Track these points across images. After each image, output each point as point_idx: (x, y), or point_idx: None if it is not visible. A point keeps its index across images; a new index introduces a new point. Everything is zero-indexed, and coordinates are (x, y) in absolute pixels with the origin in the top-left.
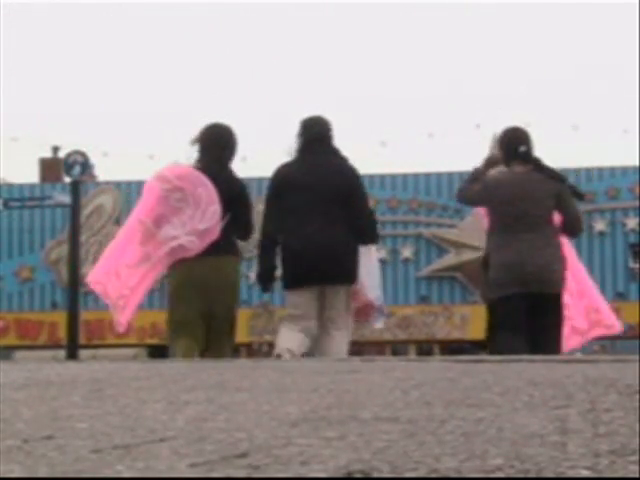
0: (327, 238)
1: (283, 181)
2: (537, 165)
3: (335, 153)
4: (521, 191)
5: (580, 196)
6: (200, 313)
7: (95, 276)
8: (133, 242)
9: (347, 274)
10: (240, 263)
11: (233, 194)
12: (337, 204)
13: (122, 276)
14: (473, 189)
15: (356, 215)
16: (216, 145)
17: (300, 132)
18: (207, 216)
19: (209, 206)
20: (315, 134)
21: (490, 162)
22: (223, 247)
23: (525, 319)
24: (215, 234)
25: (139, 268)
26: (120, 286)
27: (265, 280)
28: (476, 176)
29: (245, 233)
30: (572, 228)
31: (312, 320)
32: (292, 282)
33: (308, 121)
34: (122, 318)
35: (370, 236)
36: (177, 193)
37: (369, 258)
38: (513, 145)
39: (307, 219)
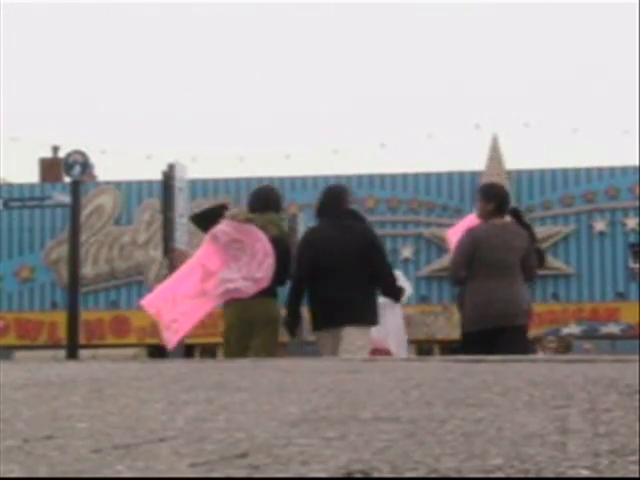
0: (347, 289)
1: (312, 240)
2: (514, 216)
3: (355, 217)
4: (501, 242)
5: (542, 255)
6: (247, 344)
7: (150, 300)
8: (193, 278)
9: (362, 316)
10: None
11: (280, 250)
12: (358, 261)
13: (177, 304)
14: (458, 251)
15: (376, 271)
16: (266, 206)
17: (324, 199)
18: (264, 267)
19: (266, 258)
20: (338, 201)
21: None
22: (268, 291)
23: (493, 349)
24: (268, 282)
25: (194, 300)
26: (174, 312)
27: (292, 327)
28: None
29: (284, 281)
30: (530, 275)
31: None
32: (318, 325)
33: (331, 190)
34: (173, 339)
35: (391, 288)
36: (236, 244)
37: (395, 314)
38: (494, 204)
39: (332, 274)
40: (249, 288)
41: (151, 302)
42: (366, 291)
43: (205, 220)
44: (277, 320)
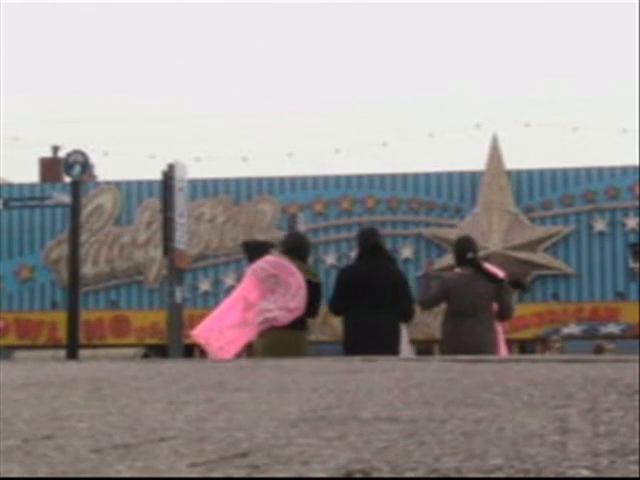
0: (378, 321)
1: (349, 278)
2: (479, 267)
3: (387, 257)
4: (468, 289)
5: (522, 285)
6: None
7: (200, 331)
8: (236, 309)
9: (388, 347)
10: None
11: (312, 290)
12: (388, 296)
13: (223, 333)
14: (432, 291)
15: (401, 303)
16: (298, 252)
17: (359, 241)
18: (297, 298)
19: (299, 291)
20: (371, 243)
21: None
22: (300, 322)
23: None
24: (301, 312)
25: (238, 329)
26: (221, 340)
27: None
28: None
29: (315, 315)
30: (504, 316)
31: None
32: (348, 350)
33: (365, 233)
34: None
35: (409, 317)
36: (273, 278)
37: (404, 335)
38: (463, 252)
39: (365, 307)
40: (284, 317)
41: (201, 332)
42: (394, 322)
43: (254, 250)
44: (305, 350)
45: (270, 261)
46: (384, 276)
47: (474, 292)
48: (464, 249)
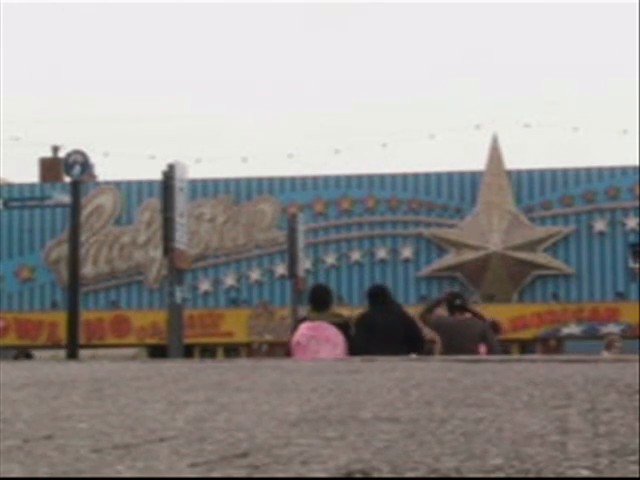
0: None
1: (365, 322)
2: (466, 310)
3: (394, 303)
4: (457, 332)
5: (497, 328)
6: None
7: None
8: None
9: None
10: None
11: (346, 331)
12: (399, 335)
13: None
14: (431, 321)
15: (412, 341)
16: (325, 303)
17: (369, 295)
18: (338, 348)
19: (337, 340)
20: (380, 297)
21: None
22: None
23: None
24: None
25: None
26: None
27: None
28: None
29: (350, 353)
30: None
31: None
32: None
33: (374, 289)
34: None
35: (420, 351)
36: (314, 339)
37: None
38: (452, 301)
39: (380, 346)
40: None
41: None
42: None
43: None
44: None
45: (307, 325)
46: (394, 319)
47: (464, 334)
48: (453, 298)
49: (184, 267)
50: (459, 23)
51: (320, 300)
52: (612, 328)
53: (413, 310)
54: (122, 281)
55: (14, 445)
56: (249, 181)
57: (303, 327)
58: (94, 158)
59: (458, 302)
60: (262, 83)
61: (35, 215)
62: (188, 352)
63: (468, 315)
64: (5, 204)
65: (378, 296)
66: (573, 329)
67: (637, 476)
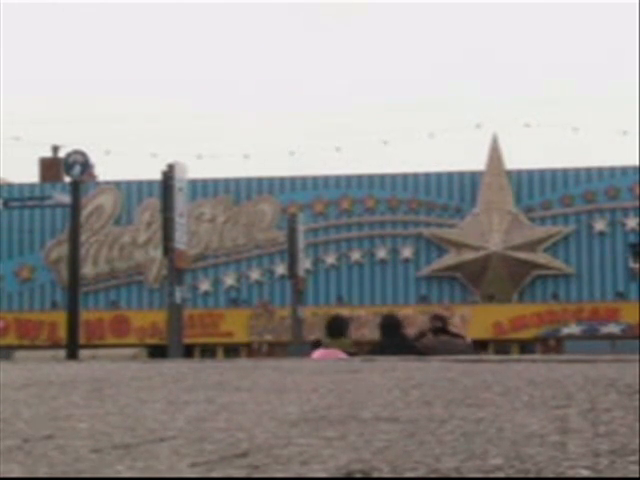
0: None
1: (376, 352)
2: (447, 333)
3: (402, 333)
4: (441, 352)
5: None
6: None
7: None
8: None
9: None
10: None
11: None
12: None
13: None
14: (419, 345)
15: None
16: (340, 333)
17: (382, 325)
18: None
19: None
20: (392, 327)
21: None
22: None
23: None
24: None
25: None
26: None
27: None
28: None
29: None
30: None
31: None
32: None
33: (387, 319)
34: None
35: None
36: None
37: None
38: (436, 325)
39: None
40: None
41: None
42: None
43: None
44: None
45: (320, 352)
46: (403, 346)
47: (448, 353)
48: (436, 323)
49: (184, 267)
50: (459, 23)
51: (336, 329)
52: (612, 328)
53: (412, 310)
54: (122, 281)
55: (14, 445)
56: (249, 181)
57: (317, 353)
58: (94, 157)
59: (439, 324)
60: (262, 82)
61: (35, 215)
62: (188, 352)
63: (449, 336)
64: (5, 204)
65: (391, 327)
66: (573, 329)
67: (637, 476)
